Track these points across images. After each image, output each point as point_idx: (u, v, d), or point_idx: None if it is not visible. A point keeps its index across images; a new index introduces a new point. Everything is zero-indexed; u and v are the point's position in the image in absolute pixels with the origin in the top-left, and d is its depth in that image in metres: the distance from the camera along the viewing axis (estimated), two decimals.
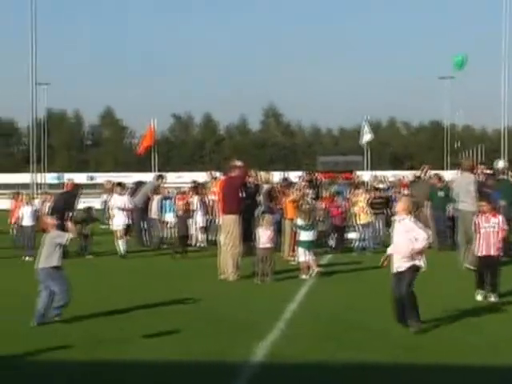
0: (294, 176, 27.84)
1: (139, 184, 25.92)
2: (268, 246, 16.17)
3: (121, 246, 21.20)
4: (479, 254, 13.29)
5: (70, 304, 11.59)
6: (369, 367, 8.89)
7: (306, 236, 16.57)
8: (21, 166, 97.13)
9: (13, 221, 23.04)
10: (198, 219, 23.43)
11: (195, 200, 23.72)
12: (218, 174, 25.54)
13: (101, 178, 62.03)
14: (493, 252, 13.16)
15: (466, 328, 10.84)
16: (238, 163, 17.26)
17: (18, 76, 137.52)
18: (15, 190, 26.32)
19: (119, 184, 23.62)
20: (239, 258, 16.51)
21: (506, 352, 9.51)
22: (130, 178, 59.24)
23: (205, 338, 10.33)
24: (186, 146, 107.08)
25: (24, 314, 11.60)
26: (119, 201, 22.07)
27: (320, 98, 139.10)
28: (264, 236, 16.22)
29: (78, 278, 14.85)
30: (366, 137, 60.26)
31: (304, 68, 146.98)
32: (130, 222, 22.12)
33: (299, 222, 16.84)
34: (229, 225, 16.60)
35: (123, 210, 21.76)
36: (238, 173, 17.08)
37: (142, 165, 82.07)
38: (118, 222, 21.69)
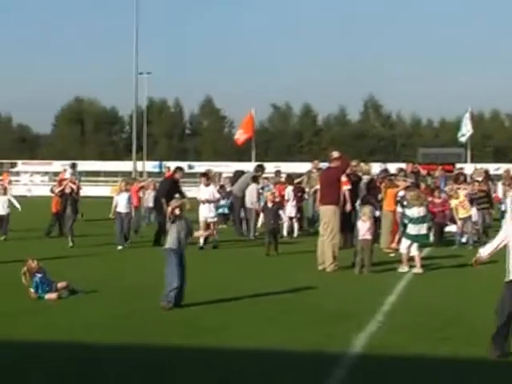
0: (394, 168, 27.48)
1: (238, 173, 26.07)
2: (366, 237, 16.08)
3: (201, 238, 20.00)
4: None
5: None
6: (472, 362, 8.76)
7: (413, 229, 16.21)
8: (123, 154, 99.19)
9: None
10: (290, 209, 23.62)
11: (289, 190, 24.02)
12: (321, 165, 25.50)
13: (200, 167, 62.86)
14: None
15: None
16: (337, 154, 17.21)
17: (121, 65, 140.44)
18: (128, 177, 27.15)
19: (204, 174, 22.53)
20: (337, 248, 16.48)
21: None
22: (228, 167, 59.84)
23: (304, 327, 10.37)
24: (284, 136, 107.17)
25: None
26: (205, 192, 21.08)
27: (421, 89, 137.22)
28: (363, 227, 16.15)
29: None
30: (466, 132, 58.85)
31: (405, 59, 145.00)
32: (213, 213, 20.92)
33: (409, 212, 16.48)
34: (327, 215, 16.60)
35: (209, 202, 20.78)
36: (337, 164, 17.05)
37: (240, 154, 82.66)
38: (201, 213, 20.65)
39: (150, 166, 74.82)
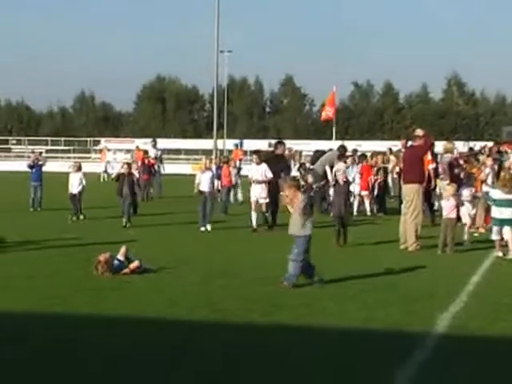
0: (479, 146, 27.05)
1: (318, 153, 25.97)
2: (450, 216, 15.85)
3: (253, 219, 19.74)
4: None
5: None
6: None
7: (498, 212, 15.54)
8: (203, 133, 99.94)
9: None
10: (357, 188, 23.93)
11: (355, 169, 24.60)
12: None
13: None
14: None
15: None
16: (421, 132, 16.97)
17: (202, 44, 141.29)
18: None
19: (256, 152, 21.24)
20: (420, 227, 16.31)
21: None
22: (308, 145, 59.76)
23: (386, 306, 10.29)
24: (365, 114, 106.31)
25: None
26: (256, 171, 20.13)
27: (506, 65, 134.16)
28: (446, 206, 15.93)
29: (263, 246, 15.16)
30: None
31: (490, 35, 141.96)
32: (265, 194, 19.84)
33: (495, 194, 15.87)
34: (410, 194, 16.44)
35: (259, 182, 19.92)
36: (420, 142, 16.84)
37: (320, 133, 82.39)
38: (253, 193, 20.03)
39: (231, 144, 75.14)
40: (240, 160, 41.02)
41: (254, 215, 19.84)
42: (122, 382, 7.04)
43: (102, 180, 47.90)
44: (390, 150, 29.75)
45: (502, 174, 16.47)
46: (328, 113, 40.72)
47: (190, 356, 7.86)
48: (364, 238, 18.01)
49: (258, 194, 19.93)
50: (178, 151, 79.02)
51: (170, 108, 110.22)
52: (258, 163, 20.16)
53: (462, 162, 20.92)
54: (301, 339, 8.67)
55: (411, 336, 8.78)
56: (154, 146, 34.23)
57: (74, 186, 22.54)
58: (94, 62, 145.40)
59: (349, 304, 10.38)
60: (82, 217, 22.17)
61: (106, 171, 49.66)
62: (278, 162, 20.41)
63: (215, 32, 59.14)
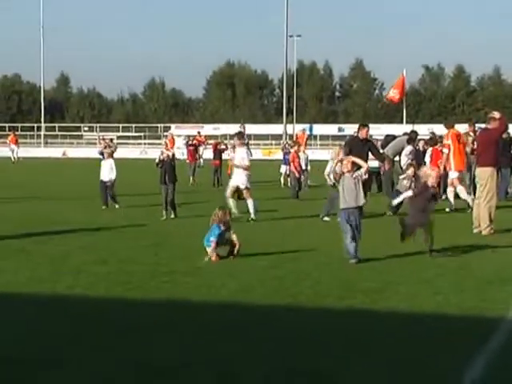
0: None
1: (389, 137, 25.74)
2: None
3: (232, 205, 17.99)
4: None
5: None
6: None
7: None
8: (273, 118, 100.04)
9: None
10: None
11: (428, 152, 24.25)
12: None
13: (350, 129, 62.55)
14: None
15: None
16: (497, 115, 16.72)
17: (271, 29, 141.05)
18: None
19: (238, 134, 20.20)
20: (494, 211, 16.10)
21: None
22: (379, 129, 59.29)
23: (460, 291, 10.20)
24: (436, 97, 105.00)
25: None
26: (237, 155, 18.98)
27: None
28: None
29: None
30: None
31: None
32: (245, 179, 18.43)
33: None
34: (484, 178, 16.24)
35: (237, 166, 18.68)
36: (495, 125, 16.59)
37: (391, 116, 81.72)
38: (234, 179, 18.76)
39: (300, 128, 75.04)
40: (305, 145, 41.03)
41: (231, 202, 18.26)
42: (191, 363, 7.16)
43: None
44: (433, 134, 29.20)
45: None
46: (393, 94, 40.29)
47: (261, 341, 7.94)
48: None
49: (238, 179, 18.59)
50: (248, 136, 79.25)
51: (239, 93, 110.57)
52: (239, 146, 19.17)
53: None
54: (375, 324, 8.66)
55: (486, 321, 8.71)
56: (244, 130, 34.38)
57: (105, 173, 21.82)
58: (163, 49, 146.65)
59: (422, 288, 10.33)
60: (116, 206, 21.55)
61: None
62: (362, 146, 19.15)
63: (284, 16, 59.09)
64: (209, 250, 12.65)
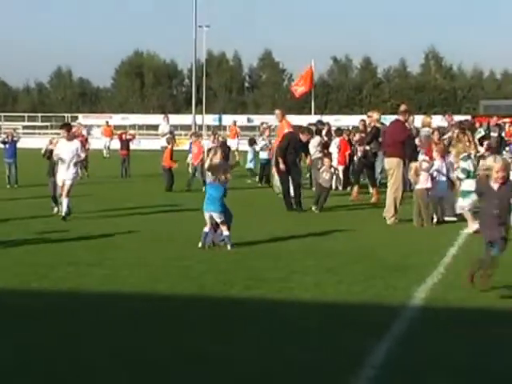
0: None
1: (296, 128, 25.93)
2: (422, 187, 15.80)
3: (64, 205, 16.55)
4: None
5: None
6: None
7: (469, 185, 14.68)
8: (182, 108, 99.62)
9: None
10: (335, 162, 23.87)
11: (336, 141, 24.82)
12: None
13: (258, 120, 62.77)
14: None
15: None
16: (402, 107, 17.17)
17: (180, 19, 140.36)
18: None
19: (65, 125, 18.08)
20: (399, 201, 16.37)
21: None
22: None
23: (364, 279, 10.35)
24: (344, 89, 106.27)
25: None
26: (65, 148, 16.84)
27: (483, 40, 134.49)
28: (422, 179, 15.95)
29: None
30: None
31: (466, 9, 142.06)
32: (72, 175, 16.76)
33: (463, 164, 15.59)
34: (391, 168, 16.55)
35: (62, 160, 16.71)
36: (403, 117, 17.06)
37: (300, 108, 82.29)
38: (60, 174, 16.91)
39: (210, 119, 75.00)
40: (237, 136, 41.16)
41: (65, 201, 16.50)
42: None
43: None
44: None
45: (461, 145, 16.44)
46: (301, 88, 40.62)
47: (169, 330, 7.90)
48: (341, 211, 18.10)
49: (64, 175, 16.69)
50: (156, 127, 78.73)
51: (148, 83, 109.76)
52: (68, 139, 17.03)
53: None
54: (279, 313, 8.71)
55: (389, 308, 8.84)
56: (168, 121, 33.87)
57: None
58: (70, 38, 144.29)
59: (327, 277, 10.43)
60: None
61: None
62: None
63: (193, 6, 58.85)
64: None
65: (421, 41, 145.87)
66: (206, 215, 12.85)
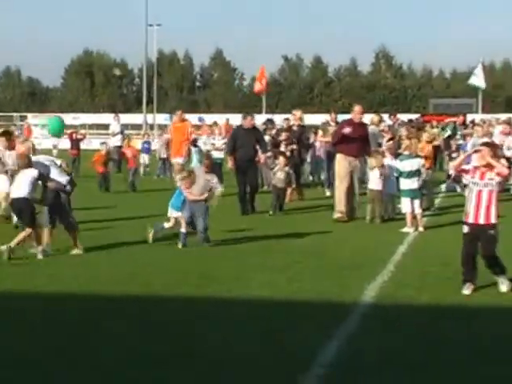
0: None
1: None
2: (376, 188, 15.90)
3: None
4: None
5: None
6: (482, 308, 8.82)
7: (408, 184, 15.11)
8: (133, 107, 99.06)
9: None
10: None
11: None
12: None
13: (211, 119, 62.67)
14: None
15: None
16: (355, 107, 17.17)
17: (130, 17, 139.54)
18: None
19: (4, 133, 16.31)
20: (342, 197, 16.43)
21: None
22: (240, 119, 59.66)
23: (315, 277, 10.39)
24: (295, 88, 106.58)
25: None
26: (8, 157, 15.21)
27: (432, 39, 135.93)
28: (372, 177, 16.06)
29: None
30: (478, 81, 58.30)
31: (416, 9, 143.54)
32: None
33: (398, 164, 15.53)
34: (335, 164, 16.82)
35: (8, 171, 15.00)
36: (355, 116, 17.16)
37: (251, 106, 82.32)
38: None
39: (161, 118, 74.56)
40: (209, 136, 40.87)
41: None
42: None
43: None
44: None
45: (406, 142, 16.40)
46: (261, 86, 40.79)
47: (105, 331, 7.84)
48: (294, 210, 18.13)
49: (3, 185, 15.09)
50: (106, 126, 78.12)
51: (98, 82, 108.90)
52: (10, 148, 15.34)
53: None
54: (229, 312, 8.70)
55: (340, 306, 8.88)
56: (118, 120, 33.52)
57: None
58: (18, 37, 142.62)
59: (278, 276, 10.44)
60: None
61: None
62: (247, 135, 17.96)
63: (144, 5, 58.55)
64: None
65: (371, 40, 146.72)
66: (179, 215, 12.92)
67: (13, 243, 11.62)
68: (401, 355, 7.06)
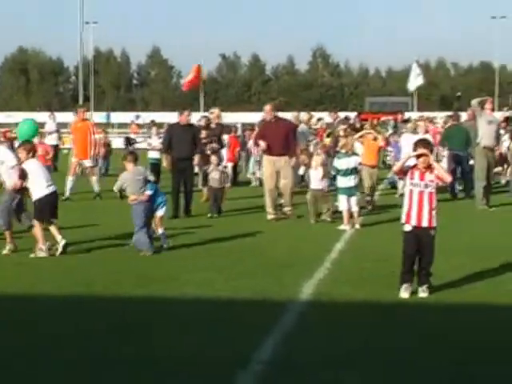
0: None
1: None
2: (318, 187, 15.93)
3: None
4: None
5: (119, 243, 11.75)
6: (418, 305, 8.93)
7: (344, 182, 15.14)
8: (69, 105, 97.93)
9: None
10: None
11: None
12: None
13: (148, 117, 62.33)
14: None
15: None
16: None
17: (66, 15, 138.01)
18: None
19: None
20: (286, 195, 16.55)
21: None
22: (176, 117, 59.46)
23: (253, 275, 10.42)
24: (232, 85, 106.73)
25: None
26: None
27: (368, 38, 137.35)
28: (314, 177, 16.11)
29: None
30: (417, 81, 58.97)
31: (352, 8, 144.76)
32: None
33: (335, 162, 15.60)
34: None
35: None
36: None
37: (189, 105, 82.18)
38: None
39: (98, 116, 73.95)
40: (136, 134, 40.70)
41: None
42: None
43: None
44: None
45: (344, 140, 16.44)
46: (190, 83, 40.63)
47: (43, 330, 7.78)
48: (229, 210, 18.14)
49: None
50: (41, 125, 77.07)
51: (33, 80, 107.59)
52: None
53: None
54: (167, 311, 8.69)
55: (277, 304, 8.91)
56: (54, 119, 32.96)
57: None
58: None
59: (216, 275, 10.44)
60: None
61: None
62: (183, 132, 17.06)
63: (79, 3, 57.97)
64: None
65: (308, 38, 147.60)
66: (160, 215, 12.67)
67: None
68: (337, 352, 7.13)
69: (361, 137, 18.52)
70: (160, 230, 12.55)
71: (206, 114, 23.55)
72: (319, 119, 29.74)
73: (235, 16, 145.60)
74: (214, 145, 20.04)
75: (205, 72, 65.28)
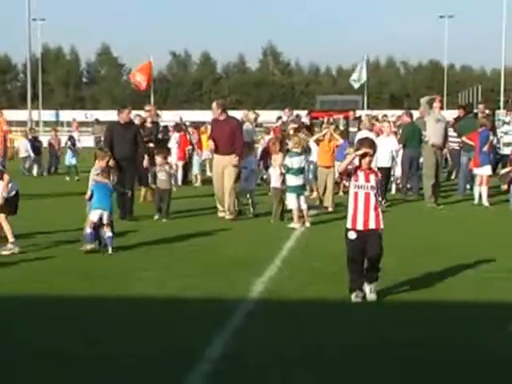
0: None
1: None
2: (276, 185, 15.90)
3: None
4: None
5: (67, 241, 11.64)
6: (368, 302, 8.97)
7: (294, 181, 15.17)
8: (17, 104, 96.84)
9: None
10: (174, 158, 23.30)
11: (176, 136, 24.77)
12: None
13: (98, 115, 61.88)
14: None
15: None
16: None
17: (13, 11, 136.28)
18: None
19: None
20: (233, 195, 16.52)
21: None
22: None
23: (202, 274, 10.41)
24: (183, 84, 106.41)
25: None
26: None
27: (319, 37, 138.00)
28: (273, 176, 16.20)
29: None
30: (356, 78, 59.39)
31: (301, 6, 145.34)
32: None
33: (286, 160, 15.51)
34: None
35: None
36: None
37: (139, 103, 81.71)
38: None
39: (47, 114, 73.27)
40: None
41: None
42: None
43: None
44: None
45: (295, 139, 16.39)
46: (140, 80, 40.11)
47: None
48: (183, 208, 18.09)
49: None
50: (8, 123, 76.03)
51: None
52: None
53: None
54: (116, 309, 8.64)
55: (228, 302, 8.90)
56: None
57: None
58: None
59: (166, 273, 10.42)
60: None
61: None
62: (124, 131, 16.44)
63: None
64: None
65: (258, 36, 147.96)
66: (96, 215, 12.13)
67: None
68: (287, 349, 7.14)
69: (318, 139, 18.89)
70: (108, 232, 12.22)
71: (141, 112, 22.28)
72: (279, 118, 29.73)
73: (186, 13, 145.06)
74: (151, 145, 19.30)
75: (155, 70, 64.90)
